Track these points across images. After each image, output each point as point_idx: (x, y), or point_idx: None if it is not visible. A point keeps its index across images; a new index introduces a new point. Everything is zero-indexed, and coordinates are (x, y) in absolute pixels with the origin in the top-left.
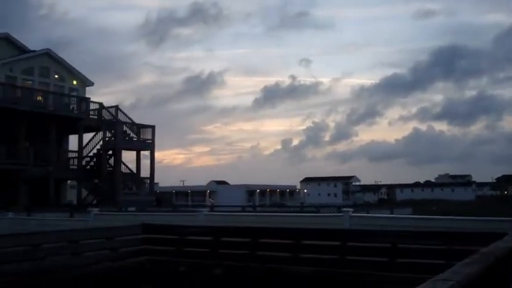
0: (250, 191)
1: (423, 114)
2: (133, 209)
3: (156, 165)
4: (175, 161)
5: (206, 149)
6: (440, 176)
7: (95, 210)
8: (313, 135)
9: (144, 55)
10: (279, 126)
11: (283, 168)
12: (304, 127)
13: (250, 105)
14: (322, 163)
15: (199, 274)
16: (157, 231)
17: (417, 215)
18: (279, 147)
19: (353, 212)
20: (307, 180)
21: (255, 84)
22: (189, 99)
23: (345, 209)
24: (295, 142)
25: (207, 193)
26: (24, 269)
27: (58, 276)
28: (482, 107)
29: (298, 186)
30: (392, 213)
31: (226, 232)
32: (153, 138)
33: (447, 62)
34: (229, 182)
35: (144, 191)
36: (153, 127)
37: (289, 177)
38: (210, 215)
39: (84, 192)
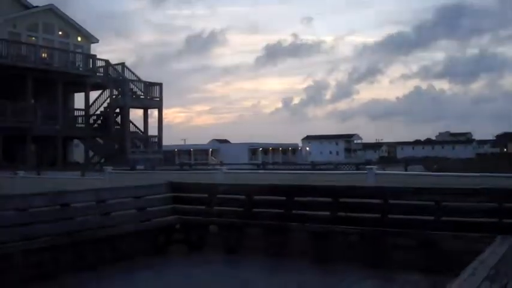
0: (252, 149)
1: (425, 73)
2: (141, 167)
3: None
4: (176, 120)
5: (207, 107)
6: (440, 134)
7: (109, 168)
8: (314, 94)
9: (146, 13)
10: (280, 85)
11: (284, 127)
12: (305, 85)
13: (252, 64)
14: (323, 121)
15: (232, 233)
16: (186, 190)
17: (438, 172)
18: (280, 105)
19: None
20: (309, 138)
21: (257, 42)
22: (190, 58)
23: (369, 166)
24: (296, 101)
25: (210, 152)
26: (54, 229)
27: (87, 236)
28: (484, 65)
29: (300, 144)
30: (406, 170)
31: (260, 190)
32: (161, 96)
33: (451, 20)
34: (230, 140)
35: (151, 149)
36: (160, 84)
37: (291, 135)
38: (229, 173)
39: (91, 150)
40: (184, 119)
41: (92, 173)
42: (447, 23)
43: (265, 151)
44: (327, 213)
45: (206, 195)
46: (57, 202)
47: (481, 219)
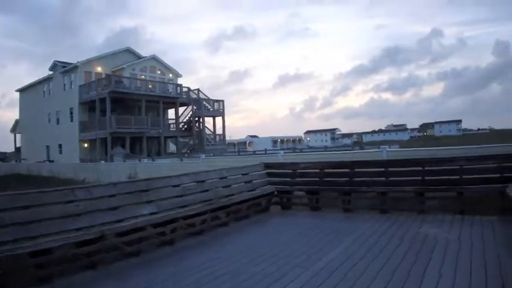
0: (274, 141)
1: (376, 88)
2: (203, 155)
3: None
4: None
5: (241, 115)
6: (388, 126)
7: (203, 155)
8: (309, 104)
9: (206, 58)
10: (287, 100)
11: (290, 125)
12: (303, 99)
13: (270, 87)
14: (315, 121)
15: (311, 196)
16: (275, 167)
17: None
18: (287, 112)
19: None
20: (308, 132)
21: (273, 74)
22: (232, 85)
23: (382, 146)
24: (298, 109)
25: (247, 143)
26: (197, 199)
27: (218, 203)
28: (410, 82)
29: (303, 136)
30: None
31: (329, 165)
32: (223, 108)
33: (391, 56)
34: (258, 135)
35: (219, 143)
36: (223, 101)
37: (295, 131)
38: (285, 155)
39: (180, 145)
40: (228, 123)
41: (186, 159)
42: (389, 57)
43: (282, 141)
44: (382, 178)
45: (291, 170)
46: (197, 179)
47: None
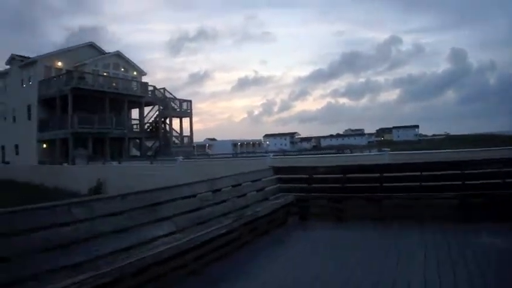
0: (234, 144)
1: (334, 93)
2: (180, 157)
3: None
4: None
5: (199, 118)
6: (346, 130)
7: (180, 158)
8: (267, 108)
9: (165, 59)
10: (245, 103)
11: (248, 129)
12: (261, 103)
13: (229, 90)
14: (273, 125)
15: (333, 204)
16: (287, 172)
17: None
18: (246, 115)
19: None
20: (267, 136)
21: (232, 77)
22: (190, 87)
23: (384, 149)
24: (256, 112)
25: (206, 146)
26: (216, 212)
27: (243, 217)
28: (368, 88)
29: (262, 140)
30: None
31: (351, 169)
32: (191, 109)
33: (349, 61)
34: (216, 138)
35: (185, 145)
36: (190, 101)
37: (253, 134)
38: (274, 158)
39: (144, 147)
40: (185, 125)
41: (158, 162)
42: (348, 63)
43: (242, 144)
44: (417, 183)
45: (307, 175)
46: (213, 188)
47: None
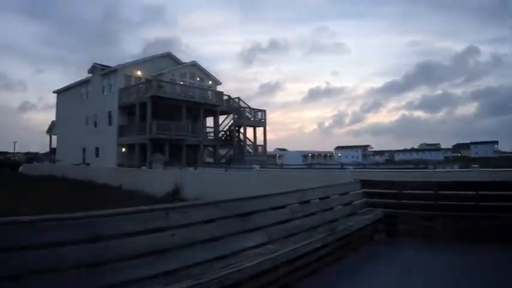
0: (304, 155)
1: (408, 105)
2: (257, 166)
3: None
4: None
5: (269, 128)
6: (421, 144)
7: (257, 167)
8: (338, 119)
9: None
10: (316, 114)
11: (318, 140)
12: (332, 114)
13: (300, 101)
14: (344, 137)
15: (422, 222)
16: (374, 186)
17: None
18: (316, 127)
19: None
20: (338, 148)
21: (303, 88)
22: (261, 98)
23: (473, 165)
24: (327, 124)
25: (277, 156)
26: (305, 225)
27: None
28: (444, 100)
29: (333, 152)
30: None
31: (438, 185)
32: (265, 118)
33: (424, 73)
34: (287, 148)
35: (258, 154)
36: (264, 110)
37: (323, 146)
38: (355, 171)
39: (218, 155)
40: (258, 134)
41: (233, 170)
42: (422, 74)
43: (312, 156)
44: None
45: (395, 190)
46: (302, 199)
47: None
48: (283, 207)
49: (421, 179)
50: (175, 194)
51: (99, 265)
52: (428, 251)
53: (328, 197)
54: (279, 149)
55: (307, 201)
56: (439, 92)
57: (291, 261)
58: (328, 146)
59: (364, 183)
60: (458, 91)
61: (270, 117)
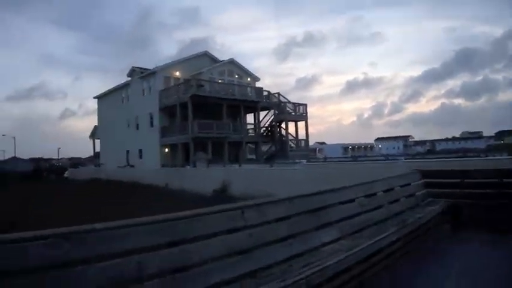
0: (344, 148)
1: (448, 94)
2: (304, 161)
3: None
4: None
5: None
6: (463, 133)
7: (304, 161)
8: (377, 110)
9: (273, 65)
10: (355, 106)
11: (358, 132)
12: (371, 105)
13: (337, 93)
14: (383, 128)
15: (488, 214)
16: (435, 176)
17: None
18: (355, 119)
19: None
20: (378, 139)
21: (341, 80)
22: (298, 92)
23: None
24: (366, 115)
25: (317, 150)
26: (374, 218)
27: (405, 226)
28: (485, 87)
29: (374, 144)
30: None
31: (503, 173)
32: (306, 112)
33: (463, 59)
34: (326, 141)
35: (301, 148)
36: (305, 104)
37: (363, 137)
38: (407, 162)
39: (259, 151)
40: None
41: (277, 165)
42: (462, 61)
43: (352, 148)
44: None
45: (458, 179)
46: (367, 192)
47: None
48: (351, 201)
49: (481, 168)
50: (223, 192)
51: (187, 269)
52: (493, 244)
53: (393, 189)
54: (318, 142)
55: (374, 194)
56: (479, 78)
57: (369, 257)
58: (368, 138)
59: (425, 173)
60: (499, 76)
61: (308, 110)
